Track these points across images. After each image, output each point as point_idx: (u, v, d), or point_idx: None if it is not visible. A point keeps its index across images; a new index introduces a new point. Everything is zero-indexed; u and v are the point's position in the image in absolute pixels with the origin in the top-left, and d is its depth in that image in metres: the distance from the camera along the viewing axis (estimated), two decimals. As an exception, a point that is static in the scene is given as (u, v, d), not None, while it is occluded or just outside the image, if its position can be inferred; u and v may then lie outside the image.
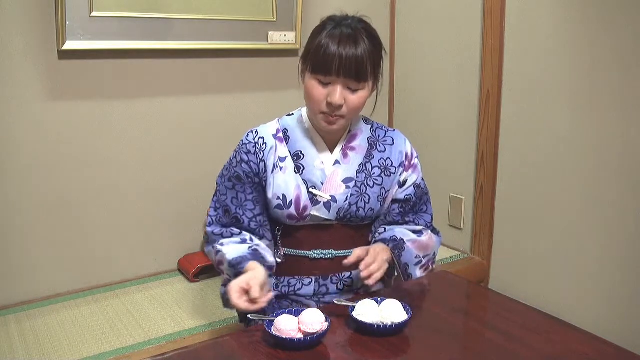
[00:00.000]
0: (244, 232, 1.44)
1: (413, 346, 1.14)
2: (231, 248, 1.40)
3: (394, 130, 1.55)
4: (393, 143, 1.51)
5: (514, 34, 2.16)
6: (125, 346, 1.68)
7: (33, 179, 1.93)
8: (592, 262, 1.98)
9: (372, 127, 1.52)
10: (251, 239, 1.43)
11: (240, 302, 1.21)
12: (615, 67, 1.85)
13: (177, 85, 2.17)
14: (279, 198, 1.41)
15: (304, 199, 1.41)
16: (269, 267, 1.38)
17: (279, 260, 1.48)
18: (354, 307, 1.19)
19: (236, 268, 1.34)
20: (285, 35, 2.32)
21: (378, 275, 1.33)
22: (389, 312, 1.16)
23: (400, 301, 1.20)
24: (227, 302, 1.38)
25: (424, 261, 1.49)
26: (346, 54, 1.30)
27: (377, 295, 1.29)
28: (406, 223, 1.53)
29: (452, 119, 2.46)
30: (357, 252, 1.35)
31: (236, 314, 1.71)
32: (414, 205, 1.53)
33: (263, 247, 1.43)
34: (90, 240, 2.07)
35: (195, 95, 2.22)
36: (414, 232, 1.51)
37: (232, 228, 1.44)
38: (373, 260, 1.34)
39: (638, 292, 1.85)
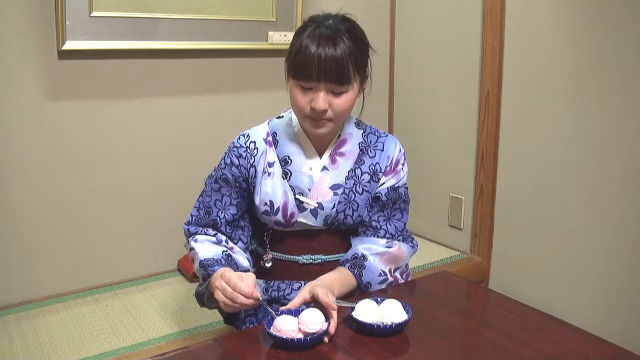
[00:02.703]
0: (219, 235, 1.40)
1: (413, 346, 1.14)
2: (205, 247, 1.37)
3: (387, 135, 1.49)
4: (383, 149, 1.45)
5: (514, 34, 2.16)
6: (125, 346, 1.68)
7: (32, 179, 1.93)
8: (592, 262, 1.98)
9: (364, 132, 1.46)
10: (226, 242, 1.40)
11: (243, 286, 1.16)
12: (616, 66, 1.85)
13: (177, 85, 2.17)
14: (266, 204, 1.39)
15: (291, 206, 1.39)
16: (243, 272, 1.30)
17: (267, 265, 1.45)
18: (354, 307, 1.19)
19: (206, 269, 1.31)
20: (285, 35, 2.32)
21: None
22: (389, 312, 1.16)
23: (400, 301, 1.19)
24: (208, 299, 1.33)
25: (389, 278, 1.41)
26: (324, 58, 1.24)
27: (377, 295, 1.29)
28: (375, 229, 1.44)
29: (452, 119, 2.46)
30: (302, 295, 1.22)
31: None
32: (383, 206, 1.45)
33: (237, 250, 1.40)
34: (90, 240, 2.07)
35: (195, 95, 2.22)
36: (384, 243, 1.42)
37: (208, 229, 1.41)
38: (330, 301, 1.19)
39: (638, 292, 1.85)
